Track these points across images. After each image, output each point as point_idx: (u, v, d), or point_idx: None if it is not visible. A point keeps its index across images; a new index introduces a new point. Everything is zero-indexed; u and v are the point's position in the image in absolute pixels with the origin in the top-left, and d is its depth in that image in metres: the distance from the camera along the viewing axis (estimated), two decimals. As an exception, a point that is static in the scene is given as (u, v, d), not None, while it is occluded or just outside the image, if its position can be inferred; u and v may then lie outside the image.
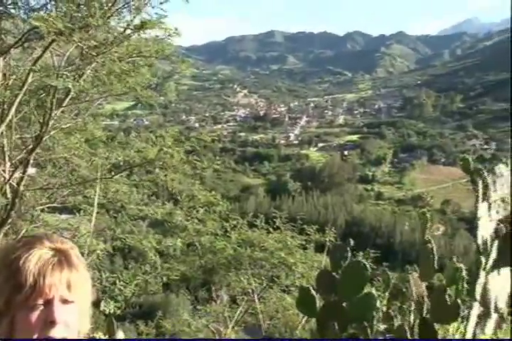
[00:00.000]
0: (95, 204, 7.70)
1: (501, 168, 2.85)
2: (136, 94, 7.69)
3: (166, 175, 8.98)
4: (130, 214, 10.42)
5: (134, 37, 6.29)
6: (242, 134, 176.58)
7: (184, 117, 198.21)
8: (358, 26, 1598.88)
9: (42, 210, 8.57)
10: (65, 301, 1.22)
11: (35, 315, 1.17)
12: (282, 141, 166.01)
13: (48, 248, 1.25)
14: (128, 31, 6.18)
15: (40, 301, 1.19)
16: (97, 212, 8.69)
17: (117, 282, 10.07)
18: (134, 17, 5.97)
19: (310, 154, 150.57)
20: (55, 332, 1.18)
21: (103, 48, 6.17)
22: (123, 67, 6.65)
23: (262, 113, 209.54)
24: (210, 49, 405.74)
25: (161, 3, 6.00)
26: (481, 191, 2.70)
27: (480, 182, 2.71)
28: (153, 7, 6.05)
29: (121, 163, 8.52)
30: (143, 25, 5.89)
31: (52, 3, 5.73)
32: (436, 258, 2.68)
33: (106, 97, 7.99)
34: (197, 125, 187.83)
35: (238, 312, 12.52)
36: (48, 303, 1.20)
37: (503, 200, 2.84)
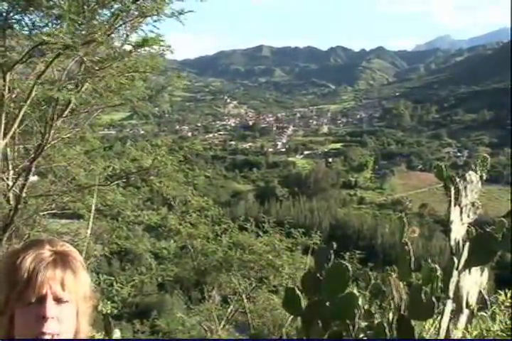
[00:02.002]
0: (92, 210, 7.70)
1: (471, 175, 2.92)
2: (133, 105, 7.74)
3: (160, 182, 9.00)
4: (126, 220, 10.41)
5: (133, 53, 6.34)
6: (233, 143, 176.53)
7: (177, 127, 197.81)
8: (341, 41, 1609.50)
9: (43, 216, 8.55)
10: (59, 299, 1.20)
11: (29, 311, 1.16)
12: (270, 149, 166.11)
13: (47, 250, 1.25)
14: (129, 47, 6.24)
15: (34, 298, 1.17)
16: (96, 218, 8.69)
17: (114, 283, 10.04)
18: (128, 35, 6.01)
19: (296, 161, 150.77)
20: (48, 328, 1.16)
21: (105, 63, 6.21)
22: (121, 81, 6.70)
23: (251, 122, 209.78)
24: (202, 62, 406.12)
25: (155, 21, 6.06)
26: (453, 196, 2.78)
27: (452, 188, 2.78)
28: (147, 24, 6.10)
29: (118, 172, 8.53)
30: (144, 43, 5.94)
31: (55, 21, 5.76)
32: (413, 259, 2.73)
33: (103, 109, 8.00)
34: (189, 134, 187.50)
35: (229, 311, 12.51)
36: (41, 300, 1.18)
37: (473, 205, 2.91)
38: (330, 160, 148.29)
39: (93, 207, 7.72)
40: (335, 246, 3.18)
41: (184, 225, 12.04)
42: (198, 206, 11.74)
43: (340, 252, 10.10)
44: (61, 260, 1.24)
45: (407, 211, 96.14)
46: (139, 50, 6.28)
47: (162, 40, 6.01)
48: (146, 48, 6.19)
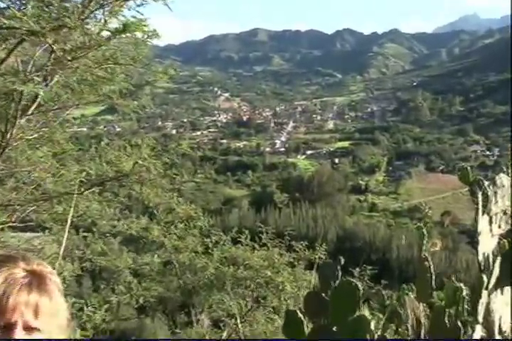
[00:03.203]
0: (68, 221, 7.66)
1: (502, 178, 2.84)
2: (112, 102, 7.69)
3: (141, 189, 8.97)
4: (102, 231, 10.37)
5: (113, 41, 6.30)
6: (224, 141, 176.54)
7: (160, 123, 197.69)
8: (348, 24, 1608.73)
9: (1, 229, 8.48)
10: (29, 328, 1.16)
11: None
12: (267, 149, 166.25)
13: (21, 268, 1.21)
14: (107, 34, 6.20)
15: (1, 323, 1.13)
16: (64, 230, 8.64)
17: (85, 307, 9.97)
18: (106, 20, 5.97)
19: (298, 162, 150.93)
20: None
21: (79, 53, 6.17)
22: (98, 74, 6.66)
23: (245, 118, 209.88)
24: (188, 49, 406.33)
25: (138, 5, 6.02)
26: (480, 203, 2.71)
27: (479, 194, 2.72)
28: (129, 9, 6.07)
29: (93, 177, 8.48)
30: (125, 28, 5.90)
31: (19, 3, 5.72)
32: (433, 277, 2.70)
33: (77, 106, 7.95)
34: (174, 132, 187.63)
35: (223, 336, 12.48)
36: (9, 327, 1.14)
37: (504, 213, 2.84)
38: (336, 160, 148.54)
39: (69, 220, 7.66)
40: (342, 260, 3.16)
41: (169, 237, 12.02)
42: (185, 215, 11.72)
43: (349, 268, 10.10)
44: (37, 282, 1.20)
45: (426, 220, 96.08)
46: (119, 37, 6.24)
47: (145, 26, 5.99)
48: (128, 35, 6.17)
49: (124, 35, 6.12)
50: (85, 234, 10.22)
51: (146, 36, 6.25)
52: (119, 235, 11.71)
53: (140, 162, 8.11)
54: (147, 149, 8.31)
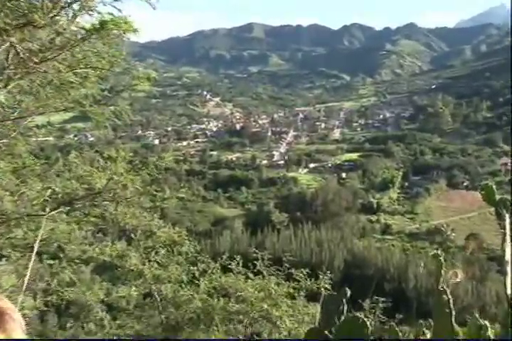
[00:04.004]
0: (35, 247, 7.59)
1: None
2: (84, 110, 7.66)
3: (116, 209, 8.90)
4: (70, 258, 10.28)
5: (87, 41, 6.29)
6: (214, 153, 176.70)
7: (140, 132, 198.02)
8: (357, 18, 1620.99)
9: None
10: None
11: None
12: (264, 162, 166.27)
13: None
14: (80, 33, 6.19)
15: None
16: (25, 257, 8.53)
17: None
18: (77, 15, 5.99)
19: (299, 177, 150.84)
20: None
21: (48, 54, 6.15)
22: (69, 79, 6.65)
23: (238, 126, 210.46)
24: (173, 46, 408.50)
25: (115, 0, 6.02)
26: (508, 228, 2.68)
27: (507, 217, 2.68)
28: (105, 5, 6.08)
29: (60, 196, 8.42)
30: (102, 26, 5.91)
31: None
32: (453, 313, 2.66)
33: (42, 113, 7.93)
34: (156, 142, 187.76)
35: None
36: None
37: None
38: (343, 175, 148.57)
39: (36, 246, 7.61)
40: (349, 292, 3.15)
41: (149, 265, 11.98)
42: (168, 239, 11.70)
43: (358, 299, 10.06)
44: None
45: (448, 243, 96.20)
46: (94, 37, 6.24)
47: (126, 23, 6.00)
48: (105, 34, 6.17)
49: (100, 35, 6.12)
50: (51, 261, 10.13)
51: (124, 34, 6.25)
52: (90, 262, 11.64)
53: (115, 178, 8.04)
54: (124, 163, 8.24)
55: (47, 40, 6.17)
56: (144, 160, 9.42)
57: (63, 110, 7.90)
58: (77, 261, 10.83)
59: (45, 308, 10.86)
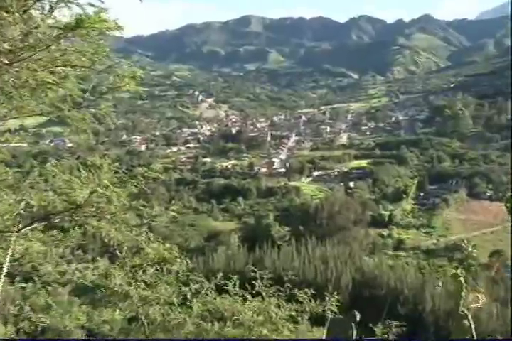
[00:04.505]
0: (4, 269, 7.58)
1: None
2: (62, 114, 7.64)
3: (99, 224, 8.85)
4: (46, 280, 10.25)
5: (64, 39, 6.30)
6: (207, 160, 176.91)
7: (125, 137, 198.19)
8: (367, 9, 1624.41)
9: None
10: None
11: None
12: (263, 169, 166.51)
13: None
14: (57, 30, 6.20)
15: None
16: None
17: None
18: (52, 8, 6.01)
19: (302, 187, 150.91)
20: None
21: (20, 54, 6.16)
22: (45, 80, 6.65)
23: (234, 130, 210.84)
24: (161, 41, 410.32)
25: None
26: None
27: None
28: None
29: (35, 210, 8.38)
30: (80, 23, 5.93)
31: None
32: (475, 339, 2.72)
33: (15, 117, 7.93)
34: (143, 148, 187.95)
35: None
36: None
37: None
38: (351, 184, 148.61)
39: (5, 267, 7.59)
40: (359, 315, 3.20)
41: (135, 285, 11.98)
42: (157, 256, 11.70)
43: (369, 323, 10.07)
44: None
45: (469, 261, 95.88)
46: (71, 35, 6.25)
47: (105, 21, 6.02)
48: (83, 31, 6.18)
49: (79, 32, 6.12)
50: (23, 284, 10.09)
51: (107, 33, 6.26)
52: (69, 283, 11.64)
53: (99, 190, 7.99)
54: (108, 173, 8.19)
55: (18, 39, 6.16)
56: (131, 169, 9.40)
57: (39, 114, 7.87)
58: (54, 282, 10.80)
59: (17, 338, 10.78)
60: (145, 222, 10.36)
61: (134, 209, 8.96)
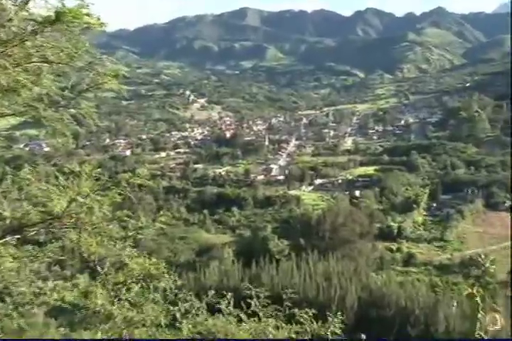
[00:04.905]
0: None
1: None
2: (37, 115, 7.58)
3: (79, 237, 8.80)
4: (19, 303, 10.19)
5: (40, 34, 6.28)
6: (199, 166, 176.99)
7: (108, 140, 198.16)
8: (373, 2, 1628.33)
9: None
10: None
11: None
12: (260, 177, 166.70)
13: None
14: (33, 24, 6.18)
15: None
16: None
17: None
18: (27, 2, 6.00)
19: (303, 196, 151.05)
20: None
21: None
22: (18, 77, 6.62)
23: (228, 134, 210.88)
24: (148, 35, 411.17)
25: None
26: None
27: None
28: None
29: (8, 221, 8.35)
30: (58, 17, 5.90)
31: None
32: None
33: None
34: (128, 153, 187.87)
35: None
36: None
37: None
38: (357, 193, 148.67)
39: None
40: (365, 337, 3.16)
41: (119, 305, 11.93)
42: (142, 272, 11.66)
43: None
44: None
45: (486, 278, 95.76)
46: (48, 29, 6.23)
47: (88, 15, 6.01)
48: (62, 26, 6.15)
49: (56, 28, 6.10)
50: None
51: (89, 28, 6.24)
52: (44, 303, 11.58)
53: (79, 199, 7.95)
54: (89, 180, 8.15)
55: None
56: (115, 176, 9.30)
57: (12, 115, 7.81)
58: (28, 303, 10.73)
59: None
60: (130, 234, 10.28)
61: (118, 220, 8.92)
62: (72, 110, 7.99)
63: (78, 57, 6.72)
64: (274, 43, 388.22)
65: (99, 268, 11.37)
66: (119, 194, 8.54)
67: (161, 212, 20.48)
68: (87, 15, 5.92)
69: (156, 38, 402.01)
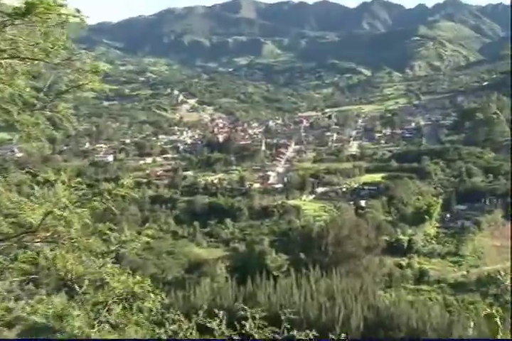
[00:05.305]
0: None
1: None
2: (10, 119, 7.56)
3: (56, 253, 8.77)
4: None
5: (11, 27, 6.28)
6: (189, 173, 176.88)
7: (88, 145, 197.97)
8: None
9: None
10: None
11: None
12: (256, 185, 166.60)
13: None
14: (1, 18, 6.18)
15: None
16: None
17: None
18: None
19: (303, 206, 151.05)
20: None
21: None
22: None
23: (221, 137, 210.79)
24: (133, 29, 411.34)
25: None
26: None
27: None
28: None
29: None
30: (30, 9, 5.90)
31: None
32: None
33: None
34: (110, 158, 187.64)
35: None
36: None
37: None
38: (363, 203, 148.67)
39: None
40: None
41: (99, 328, 11.89)
42: (125, 291, 11.62)
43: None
44: None
45: (506, 297, 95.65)
46: (20, 22, 6.23)
47: (61, 5, 6.00)
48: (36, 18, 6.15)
49: (28, 20, 6.09)
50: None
51: (63, 19, 6.23)
52: (16, 324, 11.52)
53: (56, 211, 7.90)
54: (67, 190, 8.11)
55: None
56: (95, 187, 9.22)
57: None
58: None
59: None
60: (112, 248, 10.23)
61: (99, 233, 8.89)
62: (48, 112, 7.96)
63: (54, 52, 6.69)
64: (272, 38, 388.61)
65: (76, 287, 11.31)
66: (101, 205, 8.50)
67: (147, 224, 20.45)
68: (61, 6, 5.90)
69: (141, 31, 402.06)
